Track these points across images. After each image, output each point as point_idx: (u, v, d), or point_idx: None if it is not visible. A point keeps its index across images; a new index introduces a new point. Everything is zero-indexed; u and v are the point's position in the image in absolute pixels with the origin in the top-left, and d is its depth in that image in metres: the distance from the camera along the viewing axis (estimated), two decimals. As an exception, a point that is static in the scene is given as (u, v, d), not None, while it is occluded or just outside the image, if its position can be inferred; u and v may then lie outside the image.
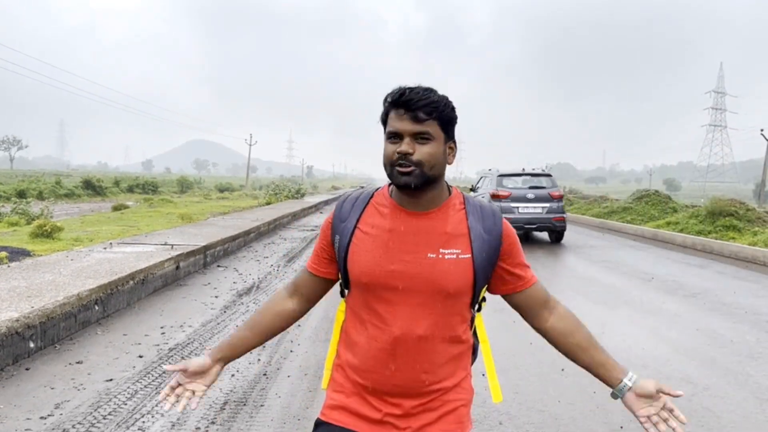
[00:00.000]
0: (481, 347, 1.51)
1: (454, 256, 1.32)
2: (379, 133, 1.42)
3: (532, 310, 1.45)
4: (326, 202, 28.34)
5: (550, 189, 12.19)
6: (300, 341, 4.71)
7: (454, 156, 1.38)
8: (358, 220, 1.39)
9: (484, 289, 1.43)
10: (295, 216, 17.85)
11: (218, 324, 5.20)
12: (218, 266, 8.59)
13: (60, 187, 32.95)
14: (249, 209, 18.99)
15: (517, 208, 11.83)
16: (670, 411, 1.34)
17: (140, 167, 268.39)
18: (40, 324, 4.33)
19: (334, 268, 1.47)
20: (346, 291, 1.46)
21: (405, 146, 1.28)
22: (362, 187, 1.61)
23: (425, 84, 1.35)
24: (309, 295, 1.53)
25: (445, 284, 1.32)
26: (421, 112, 1.28)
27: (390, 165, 1.31)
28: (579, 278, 7.86)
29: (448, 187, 1.41)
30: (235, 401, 3.46)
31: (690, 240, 11.91)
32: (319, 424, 1.41)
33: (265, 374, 3.93)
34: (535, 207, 11.89)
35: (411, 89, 1.30)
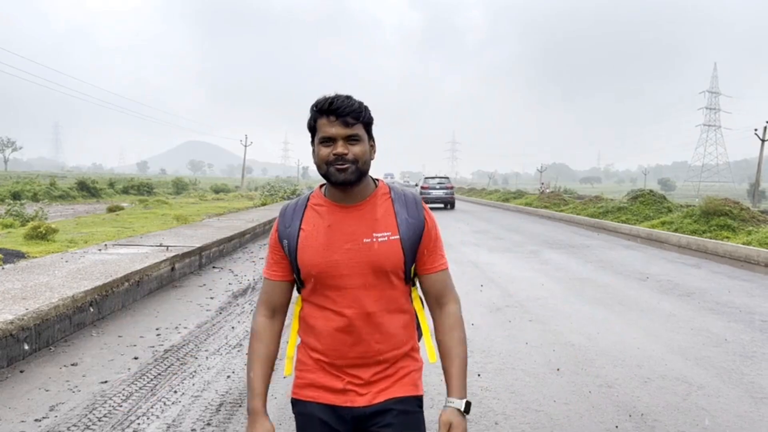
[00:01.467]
0: (418, 315, 1.67)
1: (386, 238, 1.51)
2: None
3: (429, 298, 1.62)
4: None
5: (447, 184, 26.67)
6: (296, 342, 4.70)
7: (374, 152, 1.58)
8: (300, 223, 1.56)
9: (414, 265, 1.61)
10: (291, 217, 17.82)
11: (214, 325, 5.19)
12: (213, 267, 8.57)
13: (55, 189, 32.78)
14: (244, 210, 18.97)
15: (431, 192, 25.64)
16: None
17: (135, 168, 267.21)
18: (35, 326, 4.31)
19: (288, 270, 1.62)
20: (302, 287, 1.62)
21: (341, 148, 1.46)
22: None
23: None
24: (282, 304, 1.66)
25: (382, 263, 1.50)
26: (349, 118, 1.46)
27: (326, 165, 1.48)
28: (574, 278, 7.87)
29: (374, 180, 1.59)
30: (230, 402, 3.46)
31: (685, 240, 11.96)
32: (294, 402, 1.59)
33: (261, 375, 3.92)
34: (439, 192, 25.91)
35: (337, 98, 1.47)
